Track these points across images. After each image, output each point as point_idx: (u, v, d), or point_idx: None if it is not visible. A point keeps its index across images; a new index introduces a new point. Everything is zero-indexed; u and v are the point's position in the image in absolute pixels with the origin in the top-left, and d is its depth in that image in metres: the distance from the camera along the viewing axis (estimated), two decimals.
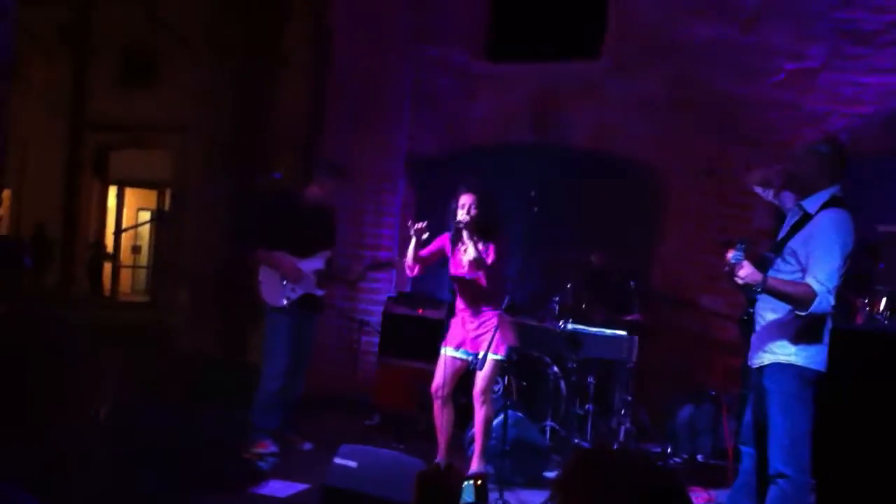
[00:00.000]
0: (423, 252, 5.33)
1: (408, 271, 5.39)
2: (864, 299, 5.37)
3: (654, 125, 7.69)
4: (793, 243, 4.04)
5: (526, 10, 8.37)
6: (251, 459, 5.48)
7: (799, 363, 3.96)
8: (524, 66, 8.24)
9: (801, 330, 3.96)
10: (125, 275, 17.47)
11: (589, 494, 1.66)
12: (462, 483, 2.09)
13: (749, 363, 4.23)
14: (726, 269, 3.93)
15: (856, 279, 5.42)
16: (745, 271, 3.86)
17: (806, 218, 4.04)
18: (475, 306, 5.27)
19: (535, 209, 6.12)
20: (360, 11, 8.51)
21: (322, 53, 8.79)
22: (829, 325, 4.00)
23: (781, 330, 4.03)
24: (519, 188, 6.27)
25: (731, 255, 3.92)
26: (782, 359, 4.00)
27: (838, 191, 4.03)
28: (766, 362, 4.08)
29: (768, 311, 4.12)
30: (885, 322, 5.24)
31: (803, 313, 3.83)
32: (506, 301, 5.15)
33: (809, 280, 3.85)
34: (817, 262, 3.87)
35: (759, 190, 4.48)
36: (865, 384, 3.51)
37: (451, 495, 2.11)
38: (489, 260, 5.13)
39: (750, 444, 4.20)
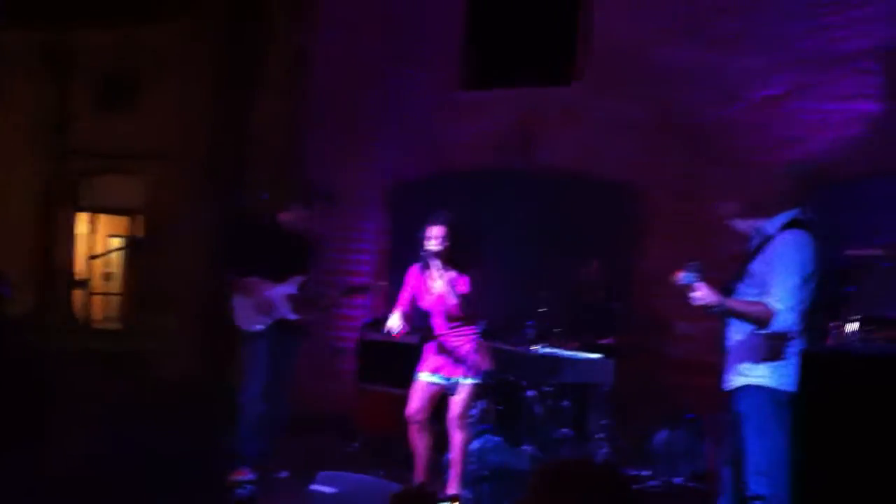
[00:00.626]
0: (404, 305, 5.39)
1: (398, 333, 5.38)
2: (835, 323, 5.44)
3: (633, 147, 7.79)
4: (753, 266, 4.13)
5: (503, 35, 8.47)
6: (230, 487, 5.46)
7: (771, 385, 4.03)
8: (501, 91, 8.34)
9: (770, 351, 4.01)
10: (97, 302, 17.29)
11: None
12: (434, 503, 2.12)
13: (723, 386, 4.27)
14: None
15: (826, 303, 5.52)
16: (701, 293, 3.95)
17: (767, 240, 4.12)
18: (451, 332, 5.30)
19: (517, 233, 6.22)
20: (339, 37, 8.58)
21: (302, 78, 8.83)
22: (800, 346, 4.05)
23: (750, 351, 4.09)
24: (499, 213, 6.35)
25: (681, 276, 4.00)
26: (754, 381, 4.07)
27: (800, 213, 4.13)
28: (739, 384, 4.14)
29: (736, 333, 4.18)
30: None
31: (764, 332, 3.93)
32: (481, 326, 5.19)
33: (768, 299, 3.94)
34: (776, 280, 3.96)
35: (737, 223, 4.49)
36: (835, 405, 3.57)
37: None
38: (460, 290, 5.18)
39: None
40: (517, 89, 8.25)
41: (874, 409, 3.52)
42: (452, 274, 5.21)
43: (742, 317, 4.07)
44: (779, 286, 3.95)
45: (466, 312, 5.23)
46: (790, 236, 4.05)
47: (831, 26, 7.25)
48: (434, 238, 5.20)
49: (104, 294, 17.85)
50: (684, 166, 7.55)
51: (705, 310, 4.03)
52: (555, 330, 6.69)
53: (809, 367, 3.64)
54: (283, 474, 6.01)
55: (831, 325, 5.40)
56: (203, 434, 6.65)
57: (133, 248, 8.56)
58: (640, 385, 6.89)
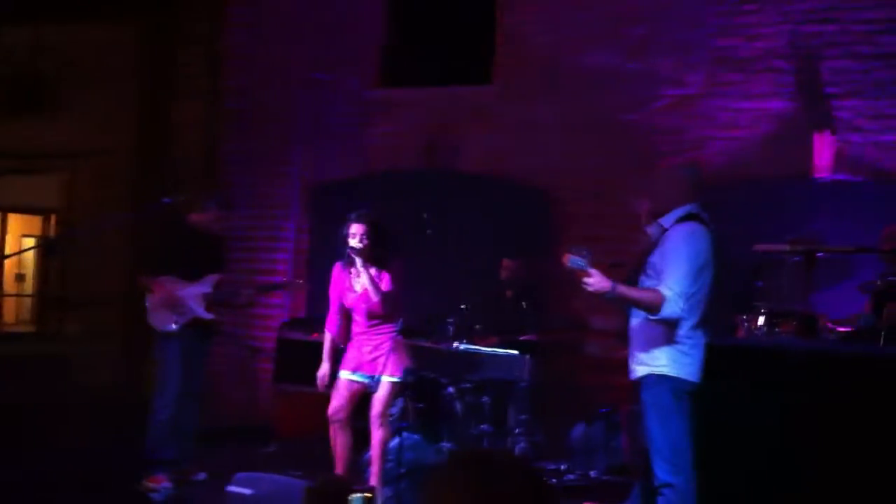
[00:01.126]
0: (334, 311, 5.43)
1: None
2: (744, 316, 5.58)
3: (545, 150, 7.86)
4: (652, 258, 4.27)
5: (420, 36, 8.48)
6: (144, 492, 5.36)
7: (671, 374, 4.14)
8: (417, 91, 8.35)
9: (667, 339, 4.15)
10: (9, 304, 16.80)
11: (454, 496, 1.72)
12: (349, 494, 2.12)
13: (629, 376, 4.37)
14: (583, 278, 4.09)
15: (735, 297, 5.67)
16: (593, 279, 4.05)
17: (663, 233, 4.28)
18: (371, 330, 5.30)
19: (429, 231, 6.23)
20: (252, 38, 8.49)
21: (216, 79, 8.73)
22: (704, 338, 4.19)
23: (648, 340, 4.21)
24: (413, 212, 6.35)
25: (568, 259, 4.08)
26: (655, 370, 4.17)
27: (695, 208, 4.30)
28: (641, 374, 4.25)
29: (636, 322, 4.31)
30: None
31: (654, 318, 4.07)
32: (400, 324, 5.20)
33: (660, 286, 4.08)
34: (667, 269, 4.12)
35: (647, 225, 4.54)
36: (738, 396, 3.68)
37: None
38: (383, 287, 5.19)
39: None
40: (434, 89, 8.28)
41: (775, 399, 3.63)
42: (374, 271, 5.21)
43: (634, 303, 4.21)
44: (669, 274, 4.09)
45: (388, 309, 5.24)
46: (682, 228, 4.21)
47: (745, 25, 7.43)
48: (356, 235, 5.19)
49: (16, 296, 17.39)
50: (599, 169, 7.65)
51: (599, 296, 4.13)
52: (475, 327, 6.73)
53: (713, 360, 3.74)
54: (201, 476, 5.93)
55: (740, 318, 5.55)
56: (117, 440, 6.53)
57: (47, 248, 8.34)
58: (557, 381, 6.97)
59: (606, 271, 4.11)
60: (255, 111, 8.43)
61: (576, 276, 4.13)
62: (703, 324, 4.20)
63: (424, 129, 8.29)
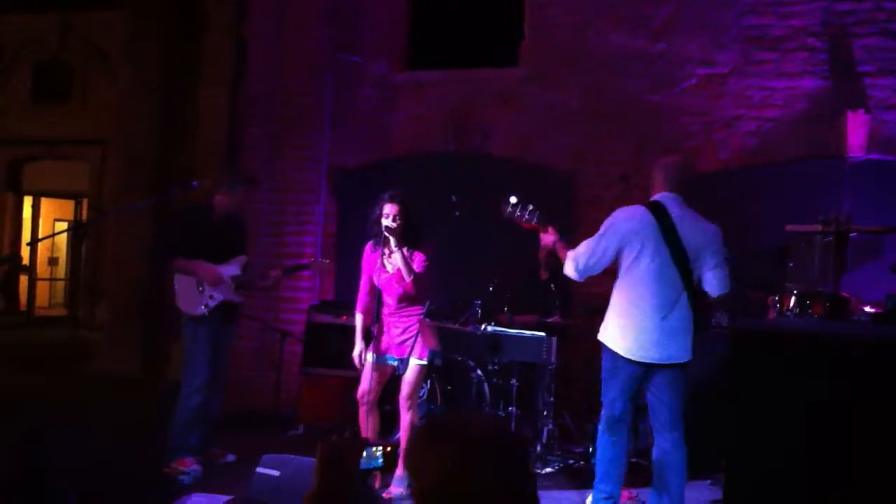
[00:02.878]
0: (365, 291, 5.43)
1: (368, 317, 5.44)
2: (775, 297, 5.52)
3: (571, 132, 7.81)
4: None
5: (445, 18, 8.44)
6: (171, 475, 5.40)
7: (600, 339, 4.72)
8: (443, 74, 8.31)
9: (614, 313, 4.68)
10: (42, 288, 17.02)
11: (437, 462, 1.72)
12: (364, 447, 2.10)
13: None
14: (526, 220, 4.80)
15: (766, 278, 5.61)
16: (548, 236, 4.79)
17: None
18: (399, 312, 5.30)
19: (457, 213, 6.20)
20: (277, 23, 8.47)
21: (240, 65, 8.73)
22: (644, 316, 4.58)
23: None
24: (440, 196, 6.33)
25: (507, 208, 4.78)
26: (600, 336, 4.74)
27: (664, 198, 4.69)
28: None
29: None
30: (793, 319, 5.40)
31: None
32: (427, 306, 5.19)
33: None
34: None
35: None
36: (761, 379, 3.64)
37: (353, 461, 2.13)
38: (415, 267, 5.19)
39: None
40: (460, 72, 8.23)
41: (797, 383, 3.58)
42: (406, 251, 5.21)
43: (562, 258, 4.78)
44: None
45: (419, 290, 5.23)
46: (617, 210, 4.75)
47: (777, 3, 7.31)
48: (389, 215, 5.19)
49: (50, 280, 17.62)
50: (626, 151, 7.59)
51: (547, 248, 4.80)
52: (503, 309, 6.71)
53: (736, 342, 3.72)
54: (230, 458, 5.97)
55: (772, 299, 5.49)
56: (144, 424, 6.59)
57: (77, 232, 8.40)
58: (585, 364, 6.94)
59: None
60: (280, 95, 8.43)
61: (526, 227, 4.83)
62: (644, 301, 4.57)
63: (451, 112, 8.26)
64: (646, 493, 5.12)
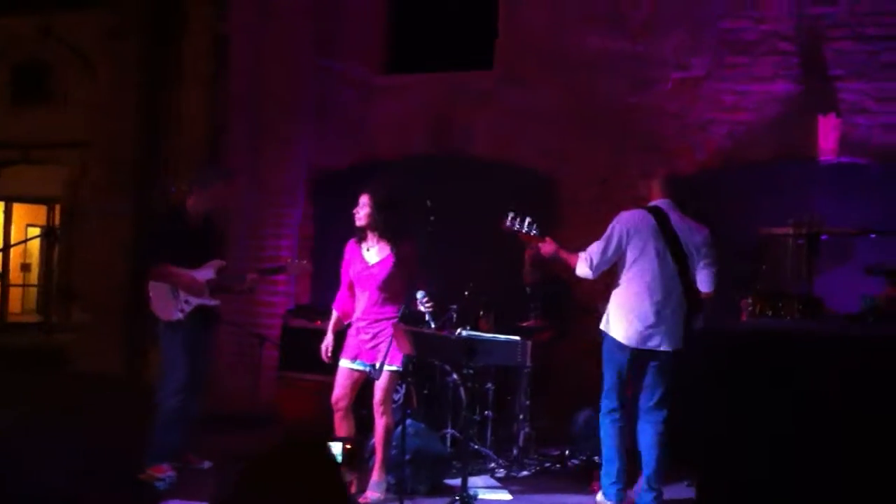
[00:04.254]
0: (343, 291, 5.46)
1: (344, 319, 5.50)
2: (748, 299, 5.56)
3: (549, 134, 7.83)
4: None
5: (423, 22, 8.44)
6: (147, 481, 5.36)
7: (602, 328, 5.25)
8: (421, 77, 8.31)
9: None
10: (14, 294, 16.84)
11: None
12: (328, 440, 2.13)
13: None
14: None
15: (739, 279, 5.65)
16: (546, 246, 5.27)
17: None
18: (372, 313, 5.27)
19: (432, 218, 6.19)
20: (258, 23, 8.44)
21: (220, 66, 8.69)
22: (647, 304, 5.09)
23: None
24: (419, 199, 6.32)
25: (507, 223, 5.28)
26: (602, 325, 5.26)
27: (662, 203, 5.26)
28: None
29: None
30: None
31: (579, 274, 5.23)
32: (401, 310, 5.18)
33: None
34: None
35: None
36: (729, 377, 3.68)
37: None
38: (395, 258, 5.19)
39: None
40: (436, 75, 8.24)
41: (782, 384, 3.62)
42: (385, 244, 5.23)
43: (567, 266, 5.29)
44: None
45: (395, 286, 5.23)
46: (622, 212, 5.29)
47: (751, 6, 7.37)
48: (361, 207, 5.24)
49: (22, 286, 17.44)
50: (604, 152, 7.62)
51: (549, 257, 5.33)
52: (479, 313, 6.71)
53: (707, 343, 3.80)
54: (206, 465, 5.93)
55: (744, 301, 5.53)
56: (119, 429, 6.54)
57: (51, 237, 8.32)
58: (563, 366, 6.96)
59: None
60: (260, 97, 8.40)
61: (525, 240, 5.36)
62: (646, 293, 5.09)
63: (428, 115, 8.26)
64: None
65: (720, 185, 7.25)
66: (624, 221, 5.21)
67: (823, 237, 5.58)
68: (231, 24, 8.65)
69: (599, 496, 5.28)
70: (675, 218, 5.21)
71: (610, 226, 5.21)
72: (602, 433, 5.25)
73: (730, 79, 7.41)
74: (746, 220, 6.43)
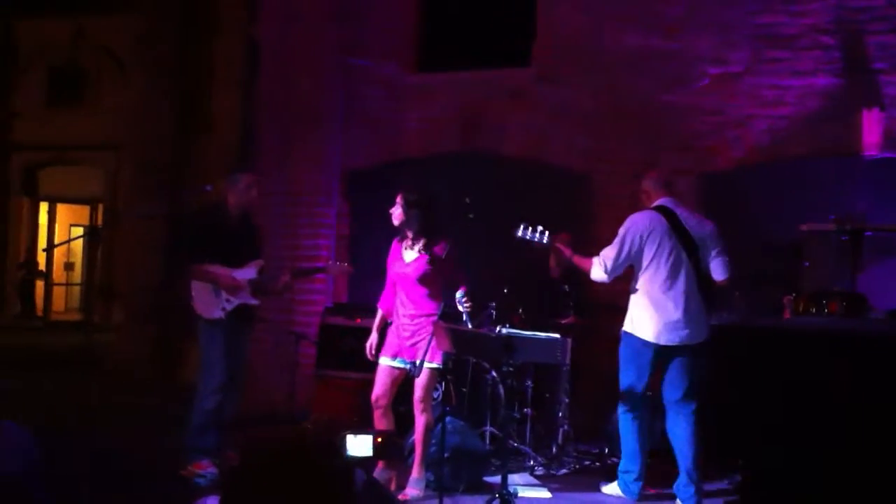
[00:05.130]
0: (388, 289, 5.49)
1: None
2: (791, 296, 5.51)
3: (583, 132, 7.80)
4: None
5: (456, 19, 8.44)
6: (188, 477, 5.41)
7: (626, 329, 5.36)
8: (454, 75, 8.31)
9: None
10: (58, 293, 17.11)
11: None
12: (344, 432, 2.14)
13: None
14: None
15: (781, 277, 5.60)
16: (564, 252, 5.48)
17: None
18: (412, 310, 5.29)
19: (471, 215, 6.20)
20: (288, 25, 8.47)
21: (252, 68, 8.75)
22: (656, 297, 5.23)
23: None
24: (452, 197, 6.32)
25: (518, 232, 5.40)
26: (626, 328, 5.38)
27: (666, 201, 5.40)
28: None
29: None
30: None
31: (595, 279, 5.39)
32: (441, 308, 5.19)
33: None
34: None
35: None
36: (785, 381, 3.64)
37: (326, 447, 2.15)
38: (436, 254, 5.22)
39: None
40: (470, 73, 8.22)
41: (818, 383, 3.58)
42: (420, 243, 5.29)
43: (581, 269, 5.48)
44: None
45: (436, 284, 5.26)
46: (631, 216, 5.41)
47: (789, 1, 7.29)
48: (396, 207, 5.33)
49: (66, 285, 17.72)
50: (639, 150, 7.56)
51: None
52: (518, 311, 6.70)
53: (719, 339, 3.83)
54: None
55: (786, 298, 5.48)
56: (158, 427, 6.61)
57: (94, 237, 8.43)
58: (601, 364, 6.92)
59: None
60: (290, 98, 8.43)
61: (540, 248, 5.49)
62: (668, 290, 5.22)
63: (462, 114, 8.26)
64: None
65: (759, 182, 7.18)
66: (636, 225, 5.33)
67: (867, 233, 5.50)
68: (261, 26, 8.70)
69: (610, 487, 5.48)
70: (682, 214, 5.34)
71: (621, 230, 5.34)
72: (622, 430, 5.39)
73: (770, 73, 7.32)
74: (786, 216, 6.36)
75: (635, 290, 5.33)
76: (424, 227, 5.30)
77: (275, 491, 1.84)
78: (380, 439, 2.73)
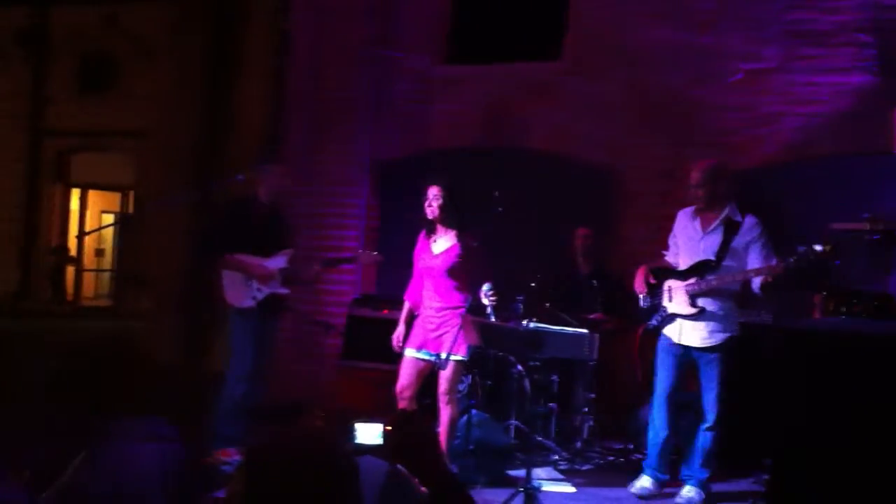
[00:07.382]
0: (416, 282, 5.52)
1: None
2: (821, 296, 5.46)
3: (612, 127, 7.76)
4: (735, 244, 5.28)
5: (485, 12, 8.41)
6: (214, 464, 5.46)
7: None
8: (482, 68, 8.29)
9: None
10: (88, 279, 17.27)
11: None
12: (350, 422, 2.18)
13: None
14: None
15: (812, 277, 5.55)
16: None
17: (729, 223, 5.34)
18: (439, 303, 5.30)
19: (500, 209, 6.21)
20: (319, 17, 8.50)
21: (282, 58, 8.78)
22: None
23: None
24: (478, 190, 6.33)
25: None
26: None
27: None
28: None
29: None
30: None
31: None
32: (468, 301, 5.20)
33: None
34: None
35: None
36: (811, 380, 3.62)
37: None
38: (460, 251, 5.23)
39: None
40: (499, 66, 8.19)
41: (841, 383, 3.56)
42: (451, 235, 5.28)
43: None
44: None
45: (463, 276, 5.26)
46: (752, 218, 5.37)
47: None
48: (431, 198, 5.30)
49: (96, 271, 17.88)
50: (667, 146, 7.52)
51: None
52: (545, 305, 6.70)
53: (777, 342, 3.78)
54: None
55: (817, 297, 5.43)
56: (186, 414, 6.64)
57: (124, 224, 8.52)
58: (627, 360, 6.90)
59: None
60: (319, 89, 8.46)
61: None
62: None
63: (490, 106, 8.24)
64: None
65: (789, 180, 7.12)
66: (676, 220, 5.55)
67: None
68: (293, 17, 8.72)
69: (640, 481, 5.49)
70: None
71: (761, 226, 5.39)
72: (650, 428, 5.51)
73: (803, 70, 7.24)
74: (817, 214, 6.30)
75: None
76: (456, 219, 5.32)
77: (274, 490, 1.86)
78: (388, 428, 2.75)
